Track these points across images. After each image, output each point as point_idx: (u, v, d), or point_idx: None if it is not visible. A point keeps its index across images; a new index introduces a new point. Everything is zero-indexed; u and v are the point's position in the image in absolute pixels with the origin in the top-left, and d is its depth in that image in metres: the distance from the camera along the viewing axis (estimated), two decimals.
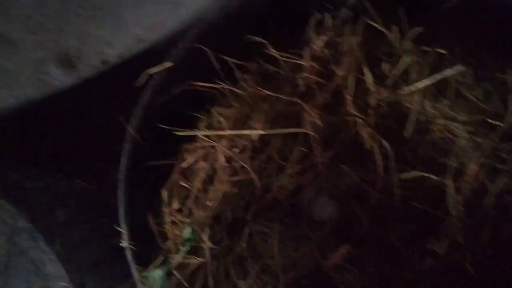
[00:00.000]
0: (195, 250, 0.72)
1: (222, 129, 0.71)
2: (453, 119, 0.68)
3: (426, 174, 0.68)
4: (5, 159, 0.83)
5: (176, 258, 0.69)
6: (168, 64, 0.73)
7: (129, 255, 0.70)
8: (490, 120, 0.66)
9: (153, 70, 0.73)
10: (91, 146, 0.89)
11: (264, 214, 0.75)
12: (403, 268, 0.69)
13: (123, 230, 0.71)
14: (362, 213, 0.73)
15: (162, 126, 0.73)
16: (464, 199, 0.67)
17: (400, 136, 0.71)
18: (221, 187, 0.70)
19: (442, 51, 0.66)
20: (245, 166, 0.69)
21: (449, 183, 0.67)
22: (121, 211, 0.73)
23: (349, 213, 0.75)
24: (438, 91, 0.69)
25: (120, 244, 0.72)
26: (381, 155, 0.70)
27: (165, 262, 0.70)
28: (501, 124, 0.66)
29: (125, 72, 0.78)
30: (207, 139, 0.72)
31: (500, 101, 0.67)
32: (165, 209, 0.71)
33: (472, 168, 0.66)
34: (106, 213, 0.82)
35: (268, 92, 0.68)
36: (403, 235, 0.71)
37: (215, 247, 0.70)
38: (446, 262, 0.67)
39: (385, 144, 0.69)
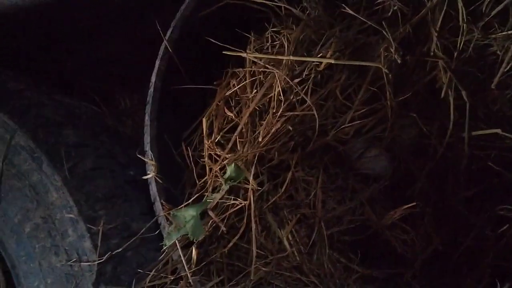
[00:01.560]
0: (234, 192, 0.61)
1: (281, 53, 0.60)
2: None
3: (506, 134, 0.60)
4: (3, 65, 0.68)
5: (215, 197, 0.58)
6: None
7: (154, 188, 0.59)
8: None
9: None
10: (111, 62, 0.75)
11: (309, 160, 0.65)
12: (466, 233, 0.62)
13: (149, 158, 0.60)
14: (419, 170, 0.65)
15: (208, 39, 0.61)
16: None
17: (480, 87, 0.63)
18: (273, 122, 0.59)
19: None
20: (307, 99, 0.58)
21: None
22: (147, 137, 0.61)
23: (404, 169, 0.66)
24: None
25: (143, 176, 0.60)
26: (456, 106, 0.62)
27: (199, 201, 0.59)
28: None
29: None
30: (261, 63, 0.60)
31: None
32: (205, 141, 0.60)
33: None
34: (120, 141, 0.70)
35: (347, 10, 0.57)
36: (467, 198, 0.63)
37: (259, 188, 0.60)
38: None
39: (464, 94, 0.60)
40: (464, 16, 0.58)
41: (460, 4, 0.58)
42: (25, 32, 0.73)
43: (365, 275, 0.63)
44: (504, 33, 0.59)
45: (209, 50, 0.63)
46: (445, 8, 0.59)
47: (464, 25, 0.59)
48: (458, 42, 0.60)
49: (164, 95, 0.64)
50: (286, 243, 0.60)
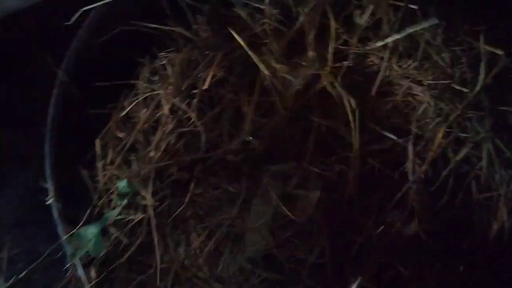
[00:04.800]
0: (134, 207, 0.64)
1: (167, 76, 0.64)
2: (418, 82, 0.63)
3: (387, 134, 0.64)
4: None
5: (112, 214, 0.62)
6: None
7: (55, 212, 0.63)
8: (456, 86, 0.63)
9: (90, 6, 0.64)
10: (18, 93, 0.77)
11: (212, 173, 0.68)
12: (356, 234, 0.65)
13: (49, 185, 0.63)
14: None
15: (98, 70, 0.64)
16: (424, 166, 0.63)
17: (361, 96, 0.66)
18: (164, 137, 0.63)
19: (414, 6, 0.61)
20: (190, 115, 0.61)
21: (410, 148, 0.64)
22: (48, 164, 0.65)
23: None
24: (405, 51, 0.64)
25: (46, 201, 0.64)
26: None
27: (99, 218, 0.63)
28: (466, 90, 0.62)
29: (55, 8, 0.68)
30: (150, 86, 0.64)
31: (468, 67, 0.63)
32: (99, 163, 0.63)
33: (436, 136, 0.63)
34: (31, 167, 0.73)
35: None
36: (357, 200, 0.66)
37: (156, 203, 0.63)
38: (400, 229, 0.64)
39: (352, 101, 0.63)
40: (335, 30, 0.62)
41: (331, 18, 0.62)
42: None
43: (269, 278, 0.66)
44: (377, 45, 0.63)
45: (116, 67, 0.67)
46: (320, 25, 0.62)
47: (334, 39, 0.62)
48: (329, 53, 0.62)
49: (66, 121, 0.67)
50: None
